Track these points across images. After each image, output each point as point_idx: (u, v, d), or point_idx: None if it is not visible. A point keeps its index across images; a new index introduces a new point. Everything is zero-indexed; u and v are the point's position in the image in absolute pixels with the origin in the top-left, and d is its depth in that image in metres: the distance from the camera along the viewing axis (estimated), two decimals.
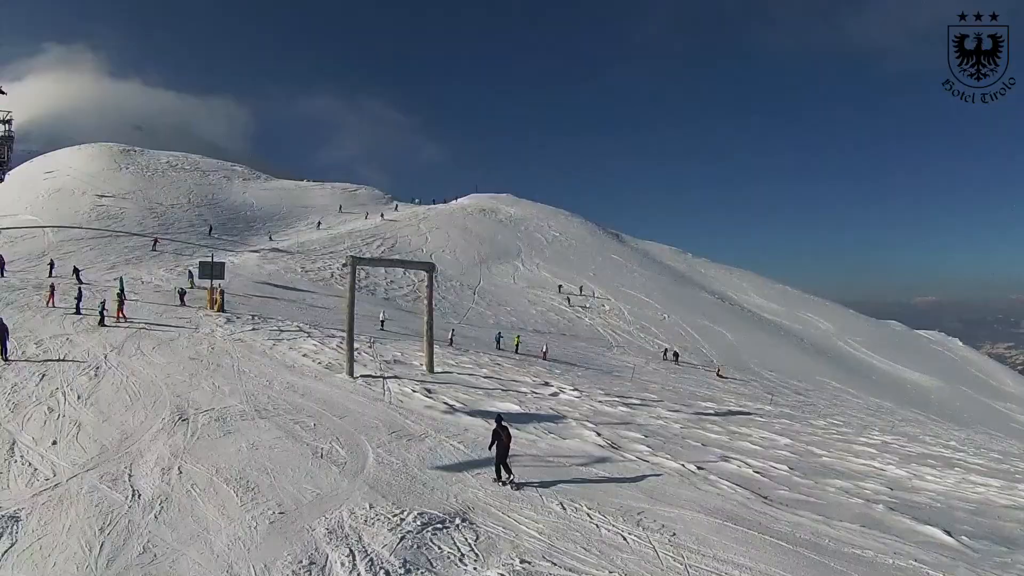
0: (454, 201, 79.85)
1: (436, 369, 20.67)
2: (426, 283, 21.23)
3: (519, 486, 10.00)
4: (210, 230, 50.57)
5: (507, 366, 26.43)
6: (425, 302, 21.30)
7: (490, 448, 10.33)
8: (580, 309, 52.58)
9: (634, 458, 12.65)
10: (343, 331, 26.59)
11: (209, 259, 29.94)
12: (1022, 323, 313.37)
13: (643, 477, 11.35)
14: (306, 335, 22.73)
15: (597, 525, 8.81)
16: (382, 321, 32.22)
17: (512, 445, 10.57)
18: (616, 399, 21.43)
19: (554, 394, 20.27)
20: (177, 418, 11.60)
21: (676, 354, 43.47)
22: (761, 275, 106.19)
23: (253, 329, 22.28)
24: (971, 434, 43.04)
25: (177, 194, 58.15)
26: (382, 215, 65.45)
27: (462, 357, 26.18)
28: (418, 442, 11.93)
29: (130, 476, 8.92)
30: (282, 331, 22.77)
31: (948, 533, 9.99)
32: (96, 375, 14.52)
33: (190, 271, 32.17)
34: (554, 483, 10.41)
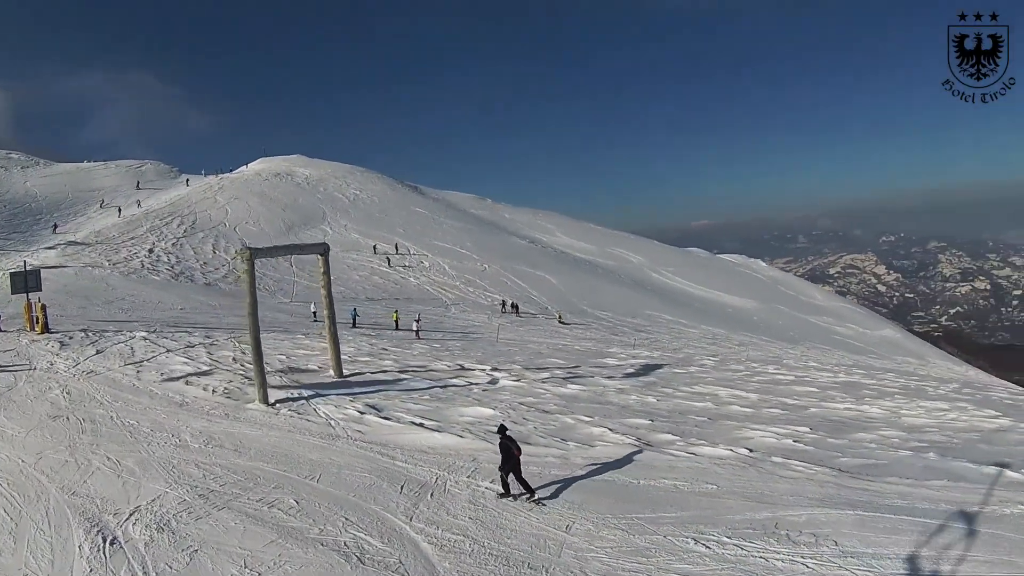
0: (244, 168, 77.15)
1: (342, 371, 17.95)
2: (323, 267, 17.75)
3: (540, 501, 9.20)
4: None
5: (394, 350, 24.55)
6: (322, 290, 17.91)
7: (502, 465, 9.38)
8: (402, 269, 52.15)
9: (681, 453, 11.65)
10: (194, 330, 22.57)
11: (21, 268, 23.82)
12: (799, 238, 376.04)
13: (718, 476, 10.41)
14: (164, 349, 18.49)
15: (762, 557, 7.64)
16: (313, 312, 30.82)
17: (538, 460, 10.02)
18: (545, 374, 20.60)
19: (492, 382, 18.77)
20: (100, 541, 7.68)
21: (515, 306, 44.58)
22: (563, 215, 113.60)
23: (97, 352, 17.53)
24: (804, 350, 50.62)
25: None
26: (118, 211, 56.03)
27: (343, 346, 23.36)
28: (445, 495, 9.54)
29: None
30: (132, 348, 18.25)
31: (1009, 468, 10.68)
32: None
33: None
34: (646, 510, 8.98)
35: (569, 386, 18.73)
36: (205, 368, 16.59)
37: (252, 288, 14.40)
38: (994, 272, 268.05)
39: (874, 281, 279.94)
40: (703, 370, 25.49)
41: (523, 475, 9.44)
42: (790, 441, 12.60)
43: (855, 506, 9.07)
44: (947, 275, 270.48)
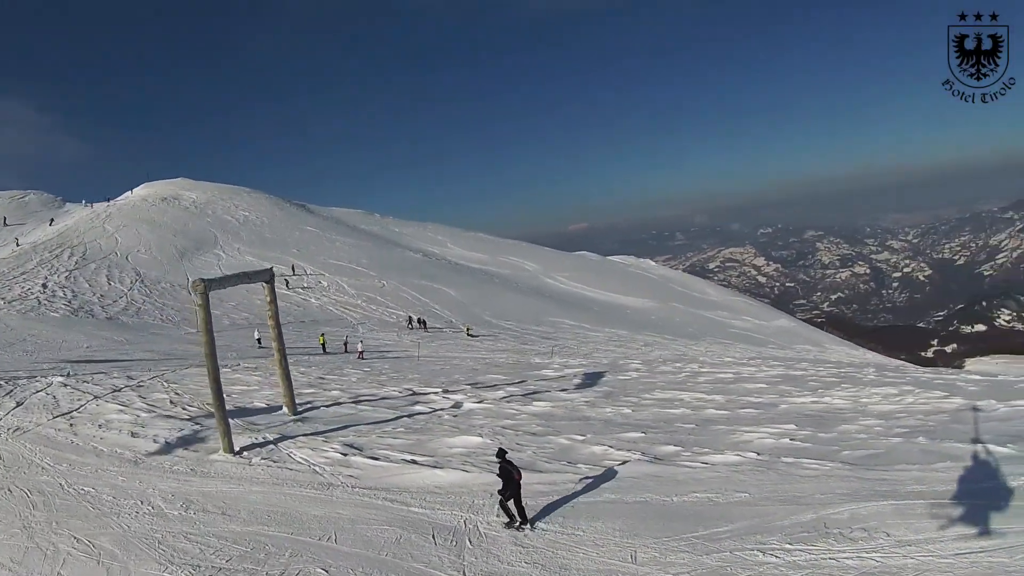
0: (129, 193, 77.33)
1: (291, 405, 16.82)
2: (269, 296, 16.47)
3: (534, 527, 9.27)
4: None
5: (332, 377, 23.79)
6: (270, 321, 16.63)
7: (502, 490, 9.34)
8: (301, 290, 52.19)
9: (695, 464, 11.74)
10: (111, 370, 20.51)
11: None
12: (676, 235, 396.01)
13: (744, 483, 10.56)
14: (91, 396, 16.77)
15: (831, 558, 7.86)
16: (258, 340, 30.88)
17: (559, 488, 10.34)
18: (500, 392, 20.36)
19: (456, 406, 18.27)
20: None
21: (422, 321, 45.24)
22: (451, 226, 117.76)
23: (18, 405, 15.48)
24: (707, 346, 53.47)
25: None
26: None
27: (275, 377, 22.13)
28: (485, 540, 8.88)
29: None
30: (55, 397, 16.34)
31: (993, 444, 11.68)
32: None
33: None
34: (698, 527, 8.94)
35: (535, 404, 18.54)
36: (143, 414, 14.90)
37: (208, 325, 13.01)
38: (873, 257, 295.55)
39: (754, 273, 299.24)
40: (644, 374, 26.18)
41: (522, 503, 9.35)
42: (787, 440, 13.11)
43: (885, 496, 9.54)
44: (826, 262, 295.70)
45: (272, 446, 13.41)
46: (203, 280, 12.89)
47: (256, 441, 13.65)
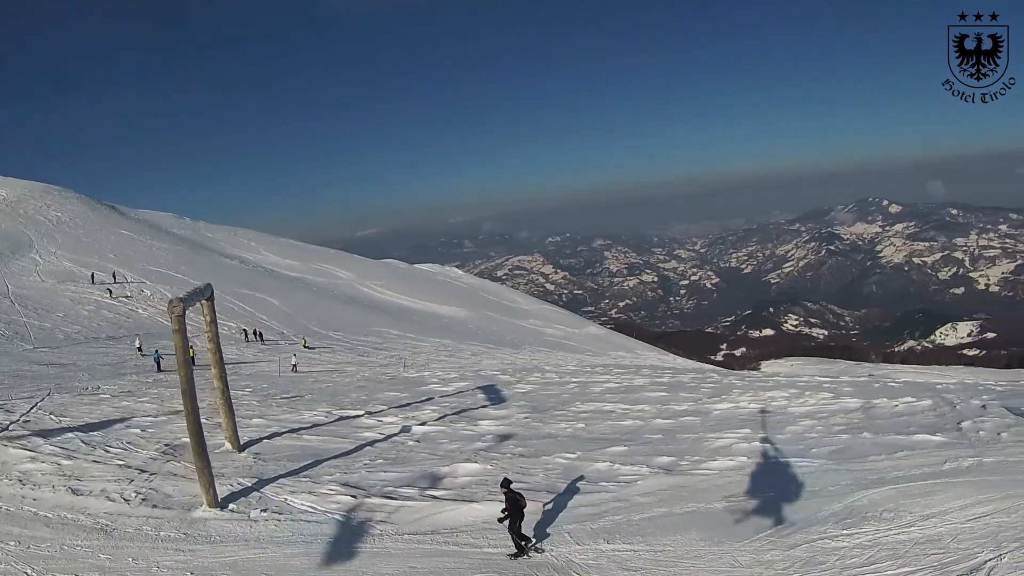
0: None
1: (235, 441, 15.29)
2: (209, 315, 14.48)
3: (541, 550, 9.72)
4: None
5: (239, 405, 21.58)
6: (210, 344, 14.65)
7: (504, 520, 9.57)
8: (126, 300, 49.57)
9: (705, 471, 12.94)
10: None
11: None
12: (465, 243, 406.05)
13: (762, 484, 11.95)
14: None
15: (884, 536, 9.16)
16: (138, 348, 30.35)
17: (600, 507, 10.92)
18: (428, 412, 20.34)
19: (405, 430, 17.77)
20: None
21: (259, 333, 44.86)
22: (262, 232, 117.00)
23: None
24: (531, 354, 56.70)
25: None
26: None
27: (173, 402, 20.00)
28: None
29: None
30: None
31: (923, 434, 14.46)
32: None
33: None
34: (763, 526, 10.03)
35: (480, 423, 18.65)
36: (66, 461, 12.35)
37: (185, 356, 11.25)
38: (660, 265, 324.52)
39: (542, 280, 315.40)
40: (534, 387, 27.26)
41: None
42: (758, 443, 14.91)
43: (881, 483, 11.37)
44: (614, 270, 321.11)
45: (257, 493, 12.08)
46: (180, 300, 11.17)
47: (234, 489, 12.18)
